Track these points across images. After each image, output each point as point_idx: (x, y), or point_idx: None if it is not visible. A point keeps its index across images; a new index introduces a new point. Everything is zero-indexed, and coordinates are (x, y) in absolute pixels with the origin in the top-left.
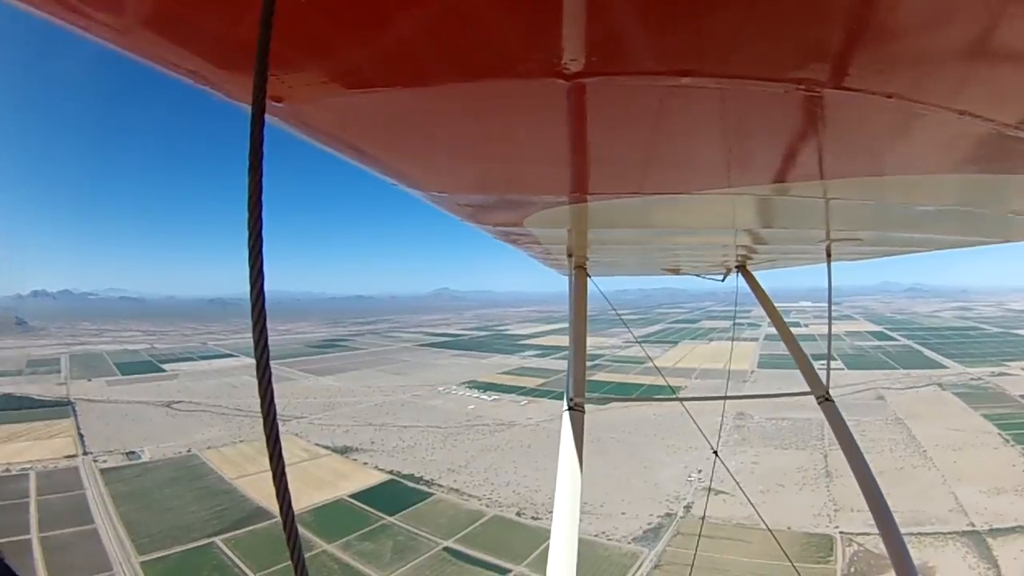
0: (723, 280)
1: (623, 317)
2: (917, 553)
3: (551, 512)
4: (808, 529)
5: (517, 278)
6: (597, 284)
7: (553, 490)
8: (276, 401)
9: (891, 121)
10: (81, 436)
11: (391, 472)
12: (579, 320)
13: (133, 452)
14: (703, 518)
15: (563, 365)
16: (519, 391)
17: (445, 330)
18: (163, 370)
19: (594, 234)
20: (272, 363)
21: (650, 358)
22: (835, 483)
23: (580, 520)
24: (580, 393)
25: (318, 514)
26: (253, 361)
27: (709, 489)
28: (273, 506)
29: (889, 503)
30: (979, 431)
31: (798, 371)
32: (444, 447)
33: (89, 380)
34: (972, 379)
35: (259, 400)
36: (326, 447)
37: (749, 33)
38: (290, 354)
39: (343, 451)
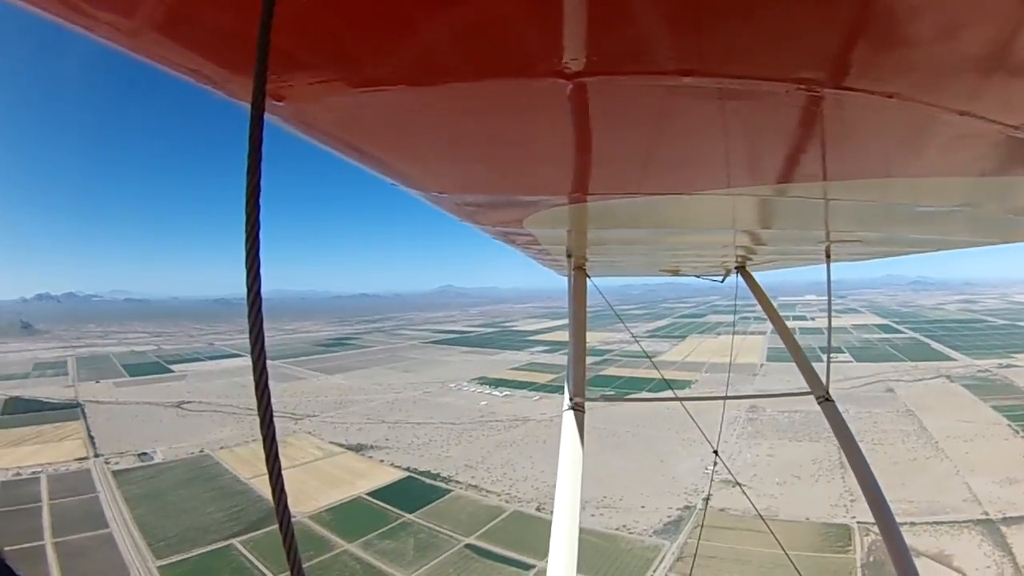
0: (722, 281)
1: (629, 312)
2: (934, 541)
3: None
4: (826, 520)
5: (520, 275)
6: (596, 284)
7: None
8: (288, 400)
9: (892, 121)
10: (92, 438)
11: (407, 469)
12: (579, 320)
13: (145, 453)
14: (704, 511)
15: None
16: (530, 387)
17: (452, 327)
18: (171, 371)
19: (593, 234)
20: (281, 362)
21: (648, 356)
22: (850, 474)
23: (601, 515)
24: (580, 393)
25: (336, 513)
26: None
27: (709, 487)
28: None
29: (905, 493)
30: (989, 423)
31: (812, 365)
32: (459, 443)
33: (97, 382)
34: (980, 371)
35: (256, 402)
36: (340, 445)
37: (750, 32)
38: (298, 353)
39: (357, 449)
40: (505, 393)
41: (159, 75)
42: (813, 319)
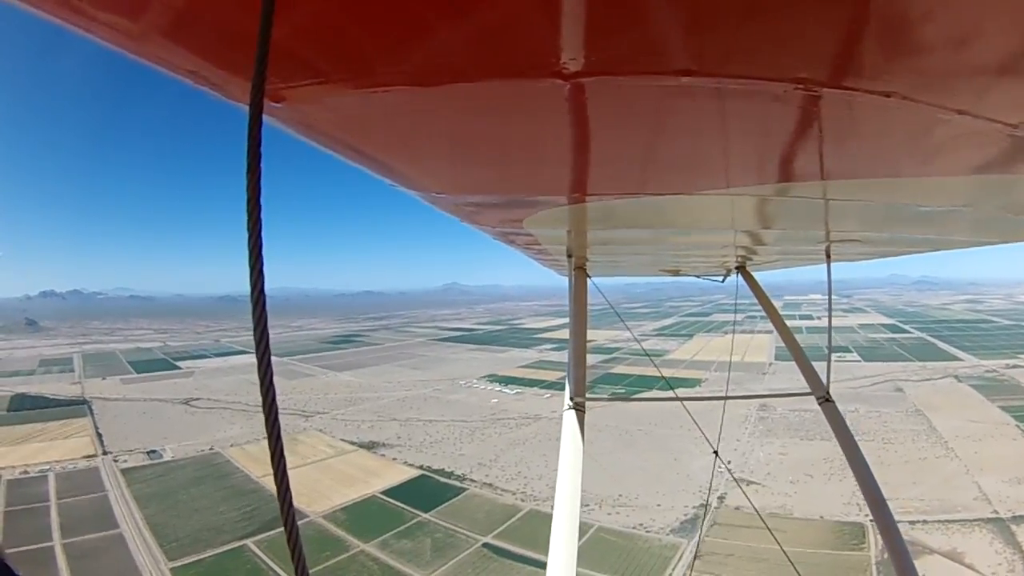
0: (723, 281)
1: (634, 311)
2: (946, 539)
3: (587, 505)
4: (840, 518)
5: (524, 272)
6: (597, 284)
7: (586, 484)
8: (297, 397)
9: (892, 121)
10: (99, 435)
11: (421, 467)
12: (579, 320)
13: (154, 451)
14: (704, 508)
15: None
16: (540, 384)
17: (458, 325)
18: (178, 367)
19: (593, 235)
20: (289, 359)
21: (649, 356)
22: None
23: (618, 513)
24: (581, 393)
25: (351, 512)
26: None
27: (710, 486)
28: (304, 505)
29: (917, 492)
30: (998, 423)
31: (812, 365)
32: (472, 441)
33: (103, 379)
34: (987, 371)
35: (261, 400)
36: (352, 443)
37: (749, 32)
38: (306, 350)
39: (370, 446)
40: (516, 391)
41: (164, 75)
42: (818, 318)
